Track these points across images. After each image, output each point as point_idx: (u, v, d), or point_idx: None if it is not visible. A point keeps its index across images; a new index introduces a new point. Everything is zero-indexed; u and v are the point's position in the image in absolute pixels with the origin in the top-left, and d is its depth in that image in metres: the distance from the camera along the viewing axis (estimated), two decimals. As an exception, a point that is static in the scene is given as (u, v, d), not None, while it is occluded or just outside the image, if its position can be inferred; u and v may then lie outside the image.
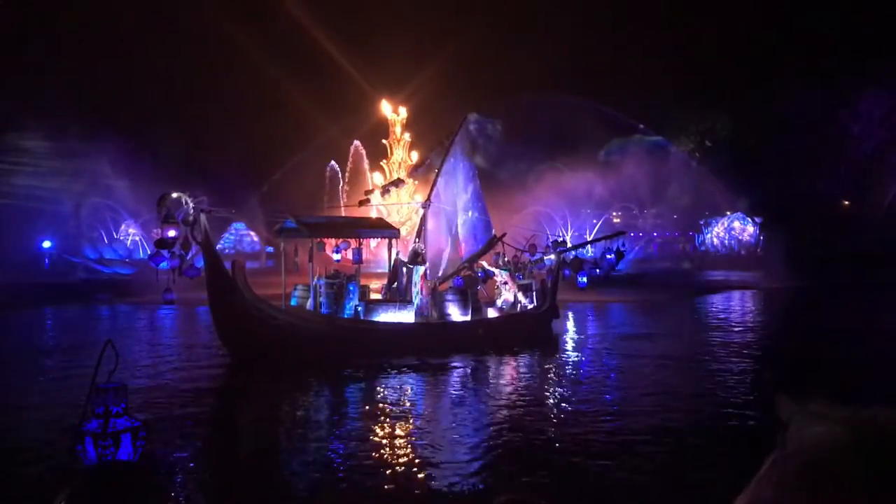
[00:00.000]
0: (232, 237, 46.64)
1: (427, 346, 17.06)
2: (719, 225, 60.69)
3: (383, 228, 18.03)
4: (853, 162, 55.46)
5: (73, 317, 26.67)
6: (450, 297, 18.60)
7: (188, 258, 16.47)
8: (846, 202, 59.14)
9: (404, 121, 55.25)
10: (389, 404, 13.48)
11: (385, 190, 19.08)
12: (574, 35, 63.23)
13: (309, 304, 17.12)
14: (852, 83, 53.32)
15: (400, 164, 50.88)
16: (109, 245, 37.84)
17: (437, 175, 20.82)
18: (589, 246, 23.09)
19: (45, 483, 8.82)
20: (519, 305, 20.41)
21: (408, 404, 13.77)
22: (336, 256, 19.11)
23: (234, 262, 16.61)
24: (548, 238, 24.08)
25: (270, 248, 39.78)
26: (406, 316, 17.50)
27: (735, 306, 31.72)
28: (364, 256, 19.57)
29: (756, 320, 27.52)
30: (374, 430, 11.42)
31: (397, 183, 20.00)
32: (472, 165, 22.66)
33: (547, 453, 10.13)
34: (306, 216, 18.79)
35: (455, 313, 18.52)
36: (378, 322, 17.14)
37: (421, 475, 9.23)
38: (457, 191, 21.70)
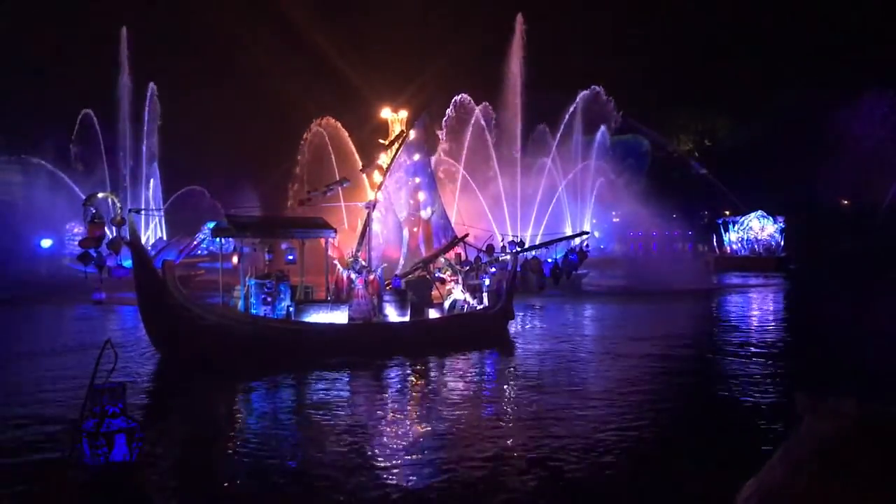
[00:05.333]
0: (205, 237, 46.47)
1: (360, 347, 16.91)
2: (739, 225, 58.18)
3: (319, 228, 17.88)
4: (853, 161, 54.50)
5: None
6: (387, 297, 18.43)
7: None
8: (845, 201, 58.21)
9: (404, 121, 54.75)
10: (333, 408, 13.36)
11: (327, 189, 18.91)
12: (574, 33, 62.70)
13: (240, 304, 17.03)
14: (853, 82, 52.50)
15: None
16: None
17: (386, 174, 20.65)
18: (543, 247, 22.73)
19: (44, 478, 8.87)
20: (466, 306, 20.17)
21: (352, 407, 13.55)
22: (268, 256, 18.98)
23: (164, 262, 16.58)
24: (503, 238, 23.85)
25: (286, 244, 39.10)
26: (339, 317, 17.36)
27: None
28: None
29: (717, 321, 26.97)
30: (322, 435, 11.38)
31: (341, 182, 19.82)
32: (427, 164, 22.45)
33: (519, 454, 10.23)
34: (239, 216, 18.69)
35: (392, 314, 18.36)
36: (307, 323, 17.02)
37: (404, 479, 9.33)
38: (409, 189, 21.46)
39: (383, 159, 45.06)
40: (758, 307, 31.46)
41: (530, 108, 47.11)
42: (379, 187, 20.37)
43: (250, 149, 60.78)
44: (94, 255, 15.96)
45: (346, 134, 51.19)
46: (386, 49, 60.06)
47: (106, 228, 16.61)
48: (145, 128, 47.71)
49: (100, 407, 8.71)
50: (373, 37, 62.53)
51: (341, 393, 14.70)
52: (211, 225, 47.47)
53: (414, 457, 10.23)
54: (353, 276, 17.83)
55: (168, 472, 9.72)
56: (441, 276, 20.35)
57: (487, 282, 21.63)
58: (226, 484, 9.29)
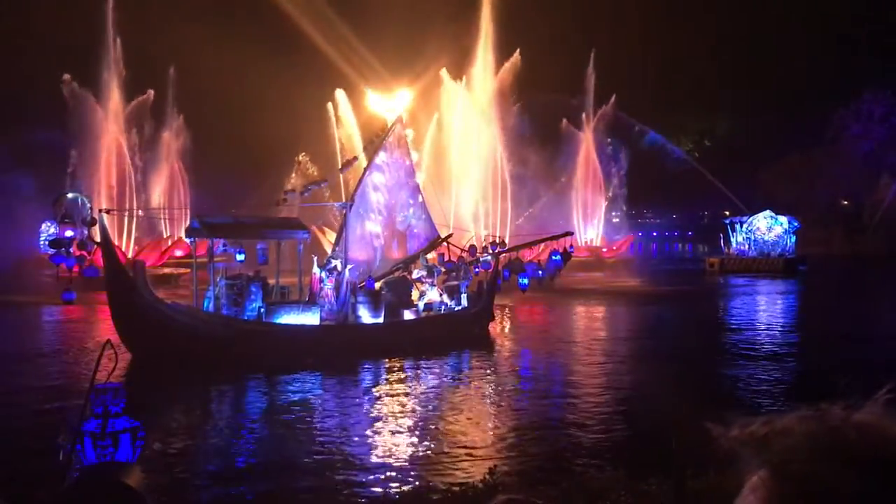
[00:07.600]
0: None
1: (331, 348, 16.84)
2: (746, 225, 56.53)
3: (293, 229, 17.85)
4: (852, 161, 54.12)
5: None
6: (360, 298, 18.37)
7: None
8: (845, 201, 57.82)
9: (402, 121, 54.39)
10: (311, 407, 13.41)
11: (305, 190, 18.87)
12: (574, 34, 62.47)
13: (210, 305, 17.01)
14: (852, 82, 52.20)
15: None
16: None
17: (363, 175, 20.59)
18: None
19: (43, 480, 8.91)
20: (444, 307, 20.08)
21: (331, 407, 13.58)
22: (239, 257, 18.97)
23: (134, 262, 16.60)
24: (484, 238, 23.79)
25: (262, 245, 38.44)
26: (310, 318, 17.31)
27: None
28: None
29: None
30: (294, 435, 11.42)
31: (318, 182, 19.77)
32: (408, 164, 22.39)
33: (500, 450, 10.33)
34: (211, 216, 18.69)
35: (365, 315, 18.29)
36: (277, 324, 16.98)
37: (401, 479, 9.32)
38: (388, 189, 21.34)
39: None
40: (748, 309, 31.19)
41: (528, 109, 47.17)
42: (356, 189, 20.32)
43: (252, 147, 60.68)
44: (64, 253, 15.97)
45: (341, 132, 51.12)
46: (383, 42, 59.77)
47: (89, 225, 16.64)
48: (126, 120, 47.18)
49: (103, 407, 8.80)
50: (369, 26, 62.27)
51: (317, 393, 14.72)
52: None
53: (399, 456, 10.25)
54: (323, 275, 17.80)
55: (157, 472, 9.80)
56: (426, 267, 20.17)
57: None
58: (214, 483, 9.36)
